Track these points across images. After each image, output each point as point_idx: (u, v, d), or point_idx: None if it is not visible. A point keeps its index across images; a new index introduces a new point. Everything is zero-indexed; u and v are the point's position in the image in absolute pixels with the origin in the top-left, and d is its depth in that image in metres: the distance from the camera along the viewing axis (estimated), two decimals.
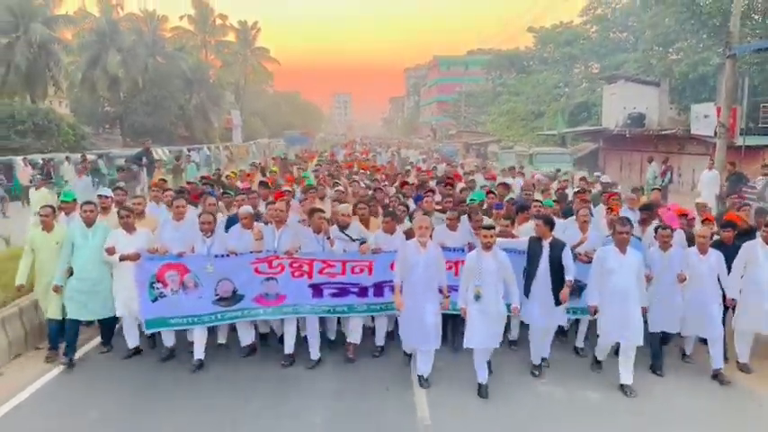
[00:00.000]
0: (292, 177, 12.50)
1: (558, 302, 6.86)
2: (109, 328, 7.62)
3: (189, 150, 32.82)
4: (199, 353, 7.15)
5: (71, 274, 7.04)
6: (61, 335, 7.26)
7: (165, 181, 10.91)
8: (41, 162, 20.55)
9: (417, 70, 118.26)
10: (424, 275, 6.61)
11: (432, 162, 25.07)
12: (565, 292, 6.75)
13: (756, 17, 29.57)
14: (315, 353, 7.26)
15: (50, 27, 33.33)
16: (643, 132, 27.09)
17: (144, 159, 17.96)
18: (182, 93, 46.47)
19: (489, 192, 10.04)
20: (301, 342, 7.34)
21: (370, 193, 10.29)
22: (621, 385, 6.68)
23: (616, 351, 6.92)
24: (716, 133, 18.60)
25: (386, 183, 12.29)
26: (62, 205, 8.04)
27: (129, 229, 7.24)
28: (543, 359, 7.24)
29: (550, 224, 6.99)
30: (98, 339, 7.79)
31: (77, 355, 7.37)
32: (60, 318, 7.17)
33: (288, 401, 6.38)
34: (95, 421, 5.95)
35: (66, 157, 20.96)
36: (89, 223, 7.16)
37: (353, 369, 7.18)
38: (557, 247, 6.88)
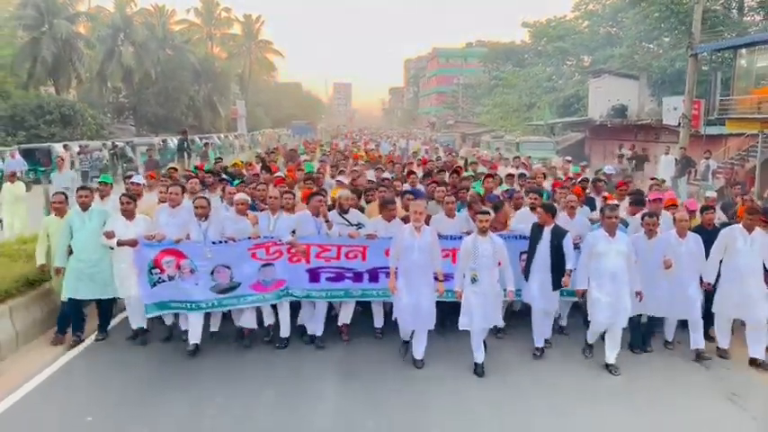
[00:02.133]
0: (294, 171, 11.33)
1: (556, 287, 7.05)
2: (105, 311, 7.70)
3: (200, 138, 35.06)
4: (194, 337, 7.11)
5: (71, 255, 7.26)
6: (73, 319, 7.47)
7: (175, 169, 11.06)
8: (78, 148, 22.79)
9: (417, 61, 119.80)
10: (420, 259, 6.66)
11: (432, 152, 26.93)
12: (566, 279, 6.94)
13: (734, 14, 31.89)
14: (317, 329, 7.43)
15: (73, 23, 35.58)
16: (622, 123, 29.36)
17: (185, 144, 20.20)
18: (191, 84, 48.55)
19: (488, 176, 10.02)
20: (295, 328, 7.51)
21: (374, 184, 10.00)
22: (607, 365, 6.82)
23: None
24: (680, 123, 21.02)
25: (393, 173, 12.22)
26: (99, 187, 8.38)
27: (130, 216, 7.30)
28: (546, 340, 7.34)
29: (552, 211, 7.14)
30: (95, 330, 7.75)
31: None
32: (67, 296, 7.38)
33: (300, 382, 6.48)
34: (108, 406, 6.00)
35: (104, 144, 23.23)
36: (84, 207, 7.35)
37: (354, 351, 7.29)
38: (558, 234, 7.02)
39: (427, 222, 7.27)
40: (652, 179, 11.50)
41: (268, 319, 7.44)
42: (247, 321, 7.35)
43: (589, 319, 7.04)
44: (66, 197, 7.76)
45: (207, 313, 7.29)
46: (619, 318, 6.74)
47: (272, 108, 75.07)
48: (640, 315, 7.27)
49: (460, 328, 6.71)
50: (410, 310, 6.69)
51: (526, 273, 7.21)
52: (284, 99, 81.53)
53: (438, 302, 6.95)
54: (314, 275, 7.28)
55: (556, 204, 7.74)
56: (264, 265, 7.16)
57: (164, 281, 7.06)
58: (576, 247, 7.10)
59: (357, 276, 7.34)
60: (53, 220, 7.55)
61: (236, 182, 9.28)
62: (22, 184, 12.76)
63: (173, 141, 31.59)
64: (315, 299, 7.37)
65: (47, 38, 34.01)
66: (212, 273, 7.07)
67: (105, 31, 42.28)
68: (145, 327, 7.45)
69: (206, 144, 25.37)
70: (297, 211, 7.65)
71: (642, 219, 7.33)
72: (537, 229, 7.11)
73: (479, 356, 6.71)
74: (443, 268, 6.93)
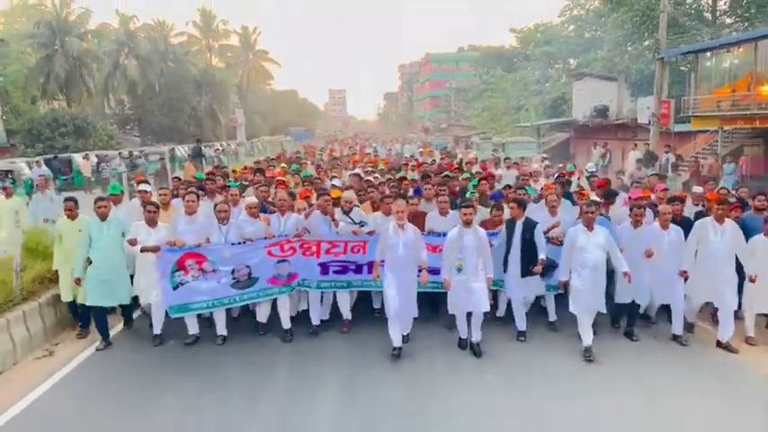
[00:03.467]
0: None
1: (524, 274, 7.41)
2: (128, 312, 8.24)
3: (205, 146, 36.91)
4: (221, 329, 7.72)
5: (89, 264, 7.48)
6: (88, 318, 7.89)
7: (179, 179, 11.51)
8: (97, 159, 24.62)
9: (411, 67, 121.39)
10: (404, 254, 7.01)
11: (427, 156, 28.21)
12: (538, 268, 7.29)
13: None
14: (316, 320, 7.95)
15: (83, 40, 37.55)
16: (602, 123, 31.31)
17: (201, 151, 22.09)
18: (192, 95, 50.36)
19: (482, 179, 10.32)
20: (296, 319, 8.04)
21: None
22: (590, 348, 7.10)
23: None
24: (650, 122, 22.96)
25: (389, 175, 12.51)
26: (111, 197, 8.51)
27: (152, 223, 7.58)
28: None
29: (522, 206, 7.59)
30: (119, 327, 8.27)
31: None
32: (71, 299, 7.85)
33: (307, 367, 6.98)
34: (124, 399, 6.34)
35: (119, 153, 25.11)
36: (103, 218, 7.56)
37: (356, 339, 7.79)
38: (528, 225, 7.43)
39: (423, 220, 8.06)
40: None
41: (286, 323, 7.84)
42: (261, 316, 7.95)
43: (572, 311, 7.29)
44: (76, 202, 7.98)
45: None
46: (598, 303, 7.17)
47: (269, 116, 76.52)
48: (636, 302, 7.64)
49: (449, 312, 7.24)
50: (397, 303, 7.04)
51: (504, 265, 7.57)
52: (281, 106, 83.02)
53: (432, 292, 7.65)
54: (324, 269, 7.81)
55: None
56: (279, 261, 7.67)
57: (187, 282, 7.44)
58: (560, 244, 7.49)
59: (358, 268, 7.83)
60: (65, 223, 7.85)
61: (233, 184, 9.84)
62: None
63: (180, 150, 33.54)
64: (324, 289, 7.96)
65: (59, 55, 36.01)
66: (233, 271, 7.55)
67: (111, 46, 44.12)
68: (160, 333, 7.74)
69: (216, 151, 27.29)
70: (297, 209, 8.30)
71: (630, 210, 7.78)
72: (510, 224, 7.54)
73: (463, 333, 7.24)
74: (433, 262, 7.36)
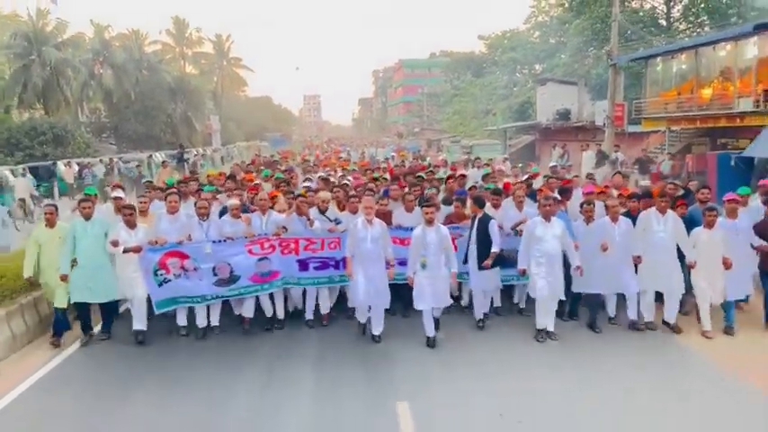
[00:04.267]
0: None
1: (479, 267, 7.82)
2: (110, 312, 8.10)
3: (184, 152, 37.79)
4: (202, 323, 8.04)
5: (75, 264, 7.63)
6: (65, 323, 7.92)
7: (150, 182, 11.90)
8: (78, 167, 25.38)
9: (385, 72, 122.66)
10: (372, 247, 7.45)
11: (398, 158, 29.26)
12: (487, 262, 7.71)
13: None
14: (309, 314, 8.40)
15: (60, 50, 38.13)
16: (563, 125, 32.93)
17: (183, 156, 23.12)
18: (168, 102, 50.94)
19: (450, 177, 11.04)
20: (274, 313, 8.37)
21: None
22: (544, 330, 7.65)
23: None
24: (604, 124, 24.54)
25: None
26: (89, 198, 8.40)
27: (131, 225, 7.80)
28: (485, 314, 8.17)
29: (479, 203, 8.05)
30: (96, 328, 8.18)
31: (74, 344, 7.87)
32: (65, 306, 7.77)
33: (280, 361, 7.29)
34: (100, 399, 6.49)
35: (101, 160, 25.92)
36: (87, 217, 7.76)
37: (328, 332, 8.26)
38: (483, 221, 7.85)
39: (390, 219, 8.49)
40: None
41: (269, 311, 8.26)
42: (247, 311, 8.15)
43: (533, 295, 7.76)
44: (57, 208, 8.21)
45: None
46: (556, 289, 7.61)
47: (244, 122, 77.06)
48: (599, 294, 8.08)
49: (416, 308, 7.57)
50: (365, 291, 7.47)
51: (465, 258, 7.96)
52: (256, 112, 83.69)
53: (402, 287, 7.88)
54: (303, 265, 8.13)
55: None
56: (260, 259, 7.93)
57: (170, 280, 7.71)
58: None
59: (336, 264, 8.12)
60: (43, 231, 7.92)
61: (209, 188, 10.23)
62: None
63: (157, 157, 34.34)
64: (305, 285, 8.26)
65: (36, 65, 36.55)
66: (214, 269, 7.80)
67: (86, 55, 44.61)
68: (144, 329, 7.91)
69: (195, 156, 28.33)
70: (278, 210, 8.66)
71: (581, 207, 8.22)
72: (471, 220, 8.06)
73: (430, 332, 7.53)
74: (401, 255, 7.78)
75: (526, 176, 11.90)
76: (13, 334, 7.76)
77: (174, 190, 9.07)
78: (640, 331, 7.98)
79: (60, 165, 25.58)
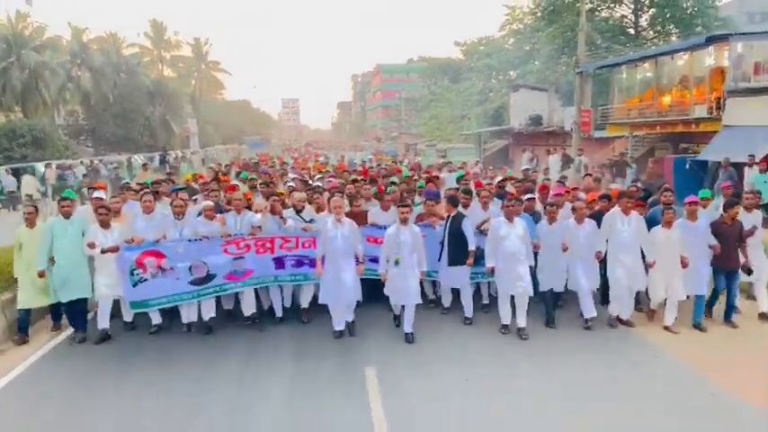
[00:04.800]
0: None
1: (451, 262, 8.15)
2: (82, 311, 8.13)
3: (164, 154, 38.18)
4: (186, 318, 8.22)
5: (53, 263, 7.75)
6: (28, 322, 8.11)
7: (128, 183, 12.21)
8: (58, 169, 25.70)
9: (363, 77, 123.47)
10: (342, 245, 7.70)
11: (375, 161, 29.88)
12: (470, 260, 8.04)
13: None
14: (279, 311, 8.62)
15: (39, 53, 38.26)
16: (535, 130, 34.02)
17: (165, 158, 23.70)
18: (146, 105, 51.14)
19: (429, 180, 11.39)
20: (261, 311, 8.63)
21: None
22: (518, 329, 7.88)
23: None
24: (571, 129, 25.59)
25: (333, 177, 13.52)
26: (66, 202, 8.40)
27: (106, 225, 7.92)
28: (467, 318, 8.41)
29: (453, 202, 8.34)
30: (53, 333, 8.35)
31: (51, 342, 8.02)
32: (29, 308, 8.01)
33: (259, 357, 7.44)
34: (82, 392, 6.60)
35: (81, 162, 26.29)
36: (66, 216, 7.93)
37: (308, 329, 8.40)
38: (457, 219, 8.15)
39: (365, 216, 8.87)
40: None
41: (248, 309, 8.35)
42: (229, 304, 8.60)
43: (495, 294, 8.24)
44: (37, 209, 8.38)
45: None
46: (523, 286, 7.82)
47: (222, 125, 77.33)
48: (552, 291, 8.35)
49: (386, 294, 7.88)
50: (335, 287, 7.73)
51: (440, 255, 8.25)
52: (234, 116, 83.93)
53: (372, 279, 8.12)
54: (279, 263, 8.29)
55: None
56: (236, 258, 8.08)
57: (146, 280, 7.78)
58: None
59: (312, 262, 8.19)
60: (24, 231, 8.03)
61: (176, 188, 10.28)
62: None
63: (136, 159, 34.72)
64: (282, 282, 8.46)
65: (15, 68, 36.67)
66: (190, 268, 7.92)
67: (64, 58, 44.71)
68: (108, 331, 8.01)
69: (175, 159, 28.89)
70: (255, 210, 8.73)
71: (545, 208, 8.54)
72: (446, 218, 8.33)
73: (408, 327, 7.80)
74: (374, 252, 8.12)
75: (501, 179, 12.28)
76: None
77: (149, 190, 9.28)
78: (589, 329, 8.18)
79: (39, 166, 25.88)
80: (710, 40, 19.17)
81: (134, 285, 7.79)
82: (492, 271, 8.03)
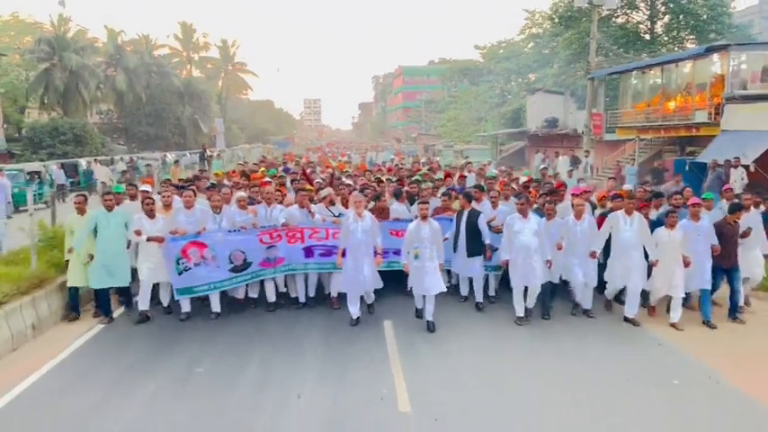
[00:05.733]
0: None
1: (469, 254, 8.59)
2: (127, 295, 8.99)
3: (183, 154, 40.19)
4: (215, 307, 8.66)
5: (92, 259, 8.30)
6: (78, 300, 8.62)
7: (169, 180, 12.66)
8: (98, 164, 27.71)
9: (385, 78, 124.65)
10: (363, 239, 8.09)
11: (398, 161, 31.06)
12: (488, 254, 8.56)
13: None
14: (302, 298, 9.13)
15: (79, 55, 40.61)
16: (550, 132, 35.31)
17: (205, 155, 25.79)
18: (176, 105, 53.30)
19: (447, 175, 12.17)
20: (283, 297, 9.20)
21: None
22: (526, 308, 8.36)
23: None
24: (583, 132, 26.87)
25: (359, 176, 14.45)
26: (115, 195, 9.09)
27: (151, 215, 8.44)
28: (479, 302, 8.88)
29: (469, 198, 8.77)
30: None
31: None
32: (77, 286, 8.50)
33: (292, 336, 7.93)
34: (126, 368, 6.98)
35: (121, 158, 28.37)
36: (110, 209, 8.49)
37: (336, 314, 8.83)
38: (473, 214, 8.58)
39: (388, 212, 9.43)
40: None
41: (271, 296, 9.00)
42: (254, 293, 9.12)
43: (512, 286, 8.42)
44: (86, 198, 8.96)
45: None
46: (533, 279, 8.17)
47: (246, 125, 79.23)
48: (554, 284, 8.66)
49: (409, 287, 8.37)
50: (354, 278, 8.16)
51: (454, 247, 8.74)
52: (258, 116, 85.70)
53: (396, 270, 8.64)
54: (309, 252, 8.86)
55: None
56: (269, 247, 8.71)
57: (190, 269, 8.35)
58: (500, 232, 8.60)
59: (342, 252, 8.44)
60: (75, 218, 8.66)
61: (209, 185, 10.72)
62: None
63: (169, 157, 36.79)
64: (311, 270, 9.01)
65: (57, 69, 39.01)
66: (230, 257, 8.55)
67: (100, 59, 47.03)
68: (147, 312, 8.53)
69: (210, 156, 31.00)
70: (286, 203, 9.46)
71: (543, 206, 8.91)
72: (460, 213, 8.80)
73: (428, 314, 8.13)
74: (397, 245, 8.55)
75: (526, 181, 12.54)
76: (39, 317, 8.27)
77: (192, 186, 9.76)
78: (575, 316, 8.69)
79: (82, 162, 28.03)
80: (710, 51, 20.35)
81: (179, 274, 8.36)
82: (506, 264, 8.46)
